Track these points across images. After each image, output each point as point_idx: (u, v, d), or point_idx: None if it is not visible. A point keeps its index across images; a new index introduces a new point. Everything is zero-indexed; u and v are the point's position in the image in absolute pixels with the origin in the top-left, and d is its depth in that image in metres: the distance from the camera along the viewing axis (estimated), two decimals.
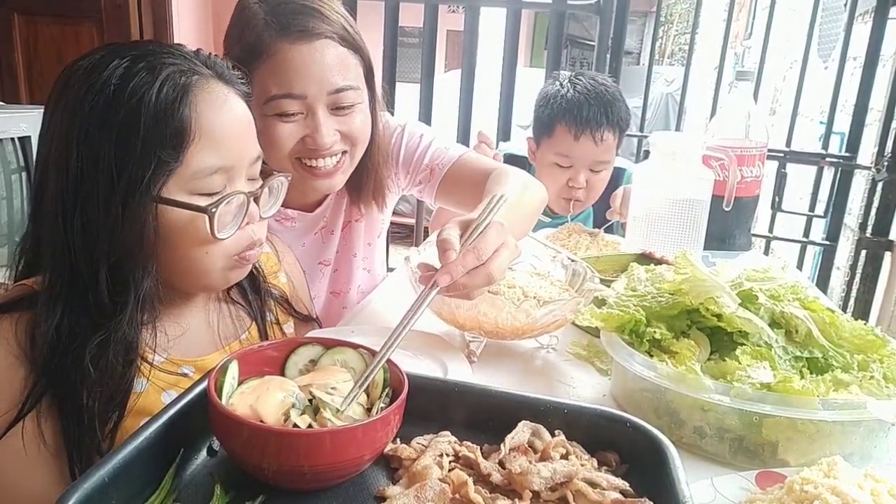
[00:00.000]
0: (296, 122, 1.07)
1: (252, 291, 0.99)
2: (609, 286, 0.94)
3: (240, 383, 0.65)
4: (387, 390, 0.67)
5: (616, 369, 0.89)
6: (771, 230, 2.51)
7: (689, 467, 0.60)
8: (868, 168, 2.29)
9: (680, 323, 0.85)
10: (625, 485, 0.60)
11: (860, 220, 2.31)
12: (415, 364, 0.92)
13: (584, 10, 2.34)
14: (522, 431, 0.65)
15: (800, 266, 2.52)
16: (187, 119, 0.75)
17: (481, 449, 0.65)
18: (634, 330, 0.84)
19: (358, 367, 0.69)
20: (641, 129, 2.74)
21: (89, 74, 0.75)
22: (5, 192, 2.32)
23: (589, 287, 1.00)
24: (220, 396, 0.61)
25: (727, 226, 1.42)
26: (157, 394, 0.84)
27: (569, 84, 1.64)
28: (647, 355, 0.80)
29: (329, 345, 0.71)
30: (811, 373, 0.78)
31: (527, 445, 0.64)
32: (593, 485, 0.59)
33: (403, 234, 4.99)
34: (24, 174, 2.38)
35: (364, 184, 1.22)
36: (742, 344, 0.79)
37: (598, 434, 0.66)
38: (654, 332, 0.82)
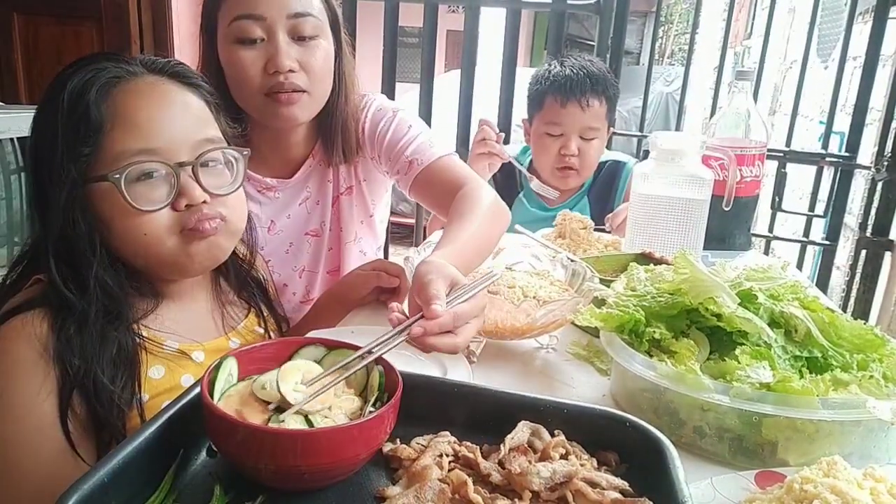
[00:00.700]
0: (257, 50, 1.11)
1: (247, 281, 1.05)
2: (609, 286, 0.94)
3: (239, 381, 0.66)
4: (381, 391, 0.67)
5: (616, 369, 0.89)
6: (771, 230, 2.51)
7: (688, 467, 0.60)
8: (868, 168, 2.29)
9: (679, 323, 0.85)
10: (624, 485, 0.60)
11: (860, 220, 2.31)
12: (415, 364, 0.92)
13: (584, 9, 2.34)
14: (522, 431, 0.65)
15: (800, 266, 2.52)
16: (95, 109, 0.81)
17: (481, 449, 0.65)
18: (634, 330, 0.84)
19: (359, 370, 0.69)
20: (641, 129, 2.74)
21: (49, 85, 0.85)
22: (5, 193, 2.32)
23: (588, 287, 1.00)
24: (212, 394, 0.61)
25: (727, 226, 1.42)
26: (176, 379, 0.89)
27: (557, 63, 1.73)
28: (646, 355, 0.80)
29: (331, 346, 0.72)
30: (811, 372, 0.78)
31: (526, 445, 0.64)
32: (593, 485, 0.59)
33: (403, 234, 4.99)
34: (23, 174, 2.37)
35: (333, 137, 1.24)
36: (742, 344, 0.79)
37: (598, 434, 0.66)
38: (654, 331, 0.82)
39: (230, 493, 0.59)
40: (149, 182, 0.82)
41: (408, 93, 2.71)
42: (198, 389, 0.62)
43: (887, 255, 2.25)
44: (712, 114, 2.47)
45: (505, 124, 2.38)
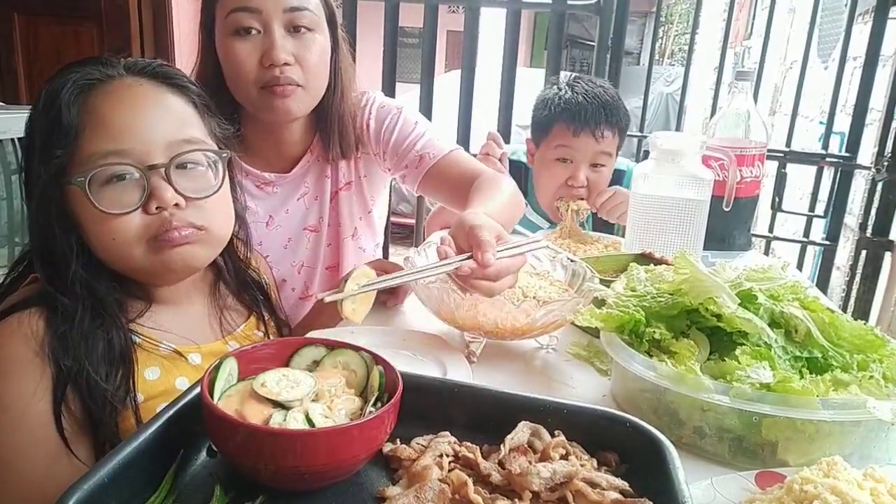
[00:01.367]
0: (252, 42, 1.12)
1: (248, 283, 1.05)
2: (609, 286, 0.94)
3: (239, 381, 0.66)
4: (381, 391, 0.67)
5: (616, 369, 0.89)
6: (771, 230, 2.51)
7: (688, 467, 0.60)
8: (868, 168, 2.29)
9: (679, 323, 0.85)
10: (624, 485, 0.60)
11: (860, 221, 2.31)
12: (415, 364, 0.92)
13: (584, 10, 2.34)
14: (522, 432, 0.65)
15: (800, 266, 2.52)
16: (67, 112, 0.80)
17: (481, 449, 0.65)
18: (634, 330, 0.84)
19: (359, 369, 0.69)
20: (641, 129, 2.74)
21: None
22: (5, 193, 2.32)
23: (588, 287, 1.00)
24: (212, 394, 0.61)
25: (727, 226, 1.42)
26: (171, 381, 0.89)
27: (567, 87, 1.64)
28: (646, 355, 0.80)
29: (332, 346, 0.72)
30: (811, 373, 0.78)
31: (526, 446, 0.64)
32: (593, 485, 0.59)
33: (403, 235, 4.99)
34: (23, 174, 2.38)
35: (331, 133, 1.25)
36: (742, 344, 0.79)
37: (598, 434, 0.66)
38: (654, 332, 0.82)
39: (230, 493, 0.59)
40: (119, 185, 0.80)
41: (408, 93, 2.71)
42: (198, 389, 0.62)
43: (887, 256, 2.26)
44: (712, 114, 2.47)
45: (505, 125, 2.38)
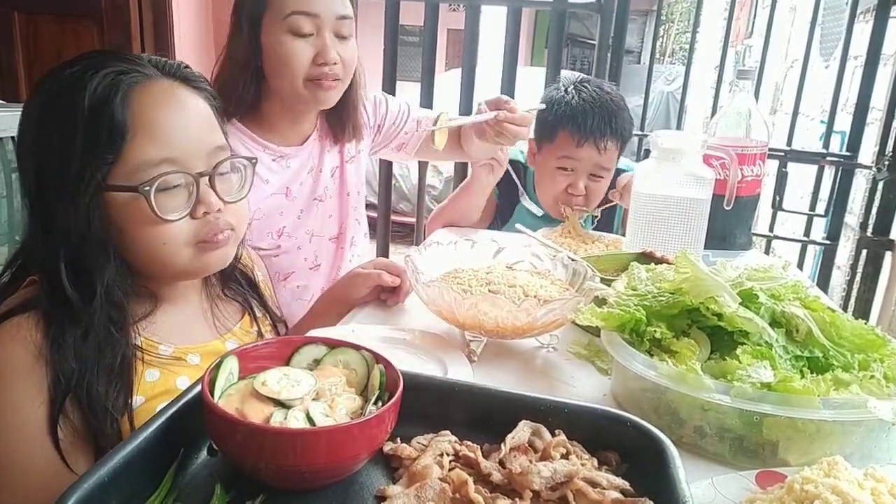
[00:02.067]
0: (306, 41, 1.27)
1: (245, 283, 1.05)
2: (609, 285, 0.94)
3: (239, 379, 0.65)
4: (382, 390, 0.67)
5: (616, 369, 0.89)
6: (772, 229, 2.51)
7: (689, 467, 0.60)
8: (869, 167, 2.29)
9: (680, 322, 0.85)
10: (625, 484, 0.60)
11: (861, 220, 2.31)
12: (415, 364, 0.92)
13: (585, 8, 2.33)
14: (523, 431, 0.65)
15: (800, 265, 2.51)
16: (120, 114, 0.79)
17: (481, 448, 0.65)
18: (635, 329, 0.84)
19: (360, 368, 0.69)
20: (642, 129, 2.73)
21: (47, 86, 0.82)
22: (5, 192, 2.32)
23: (589, 286, 1.00)
24: (213, 393, 0.61)
25: (728, 225, 1.42)
26: (171, 381, 0.88)
27: (573, 90, 1.63)
28: (647, 355, 0.80)
29: (333, 345, 0.71)
30: (812, 372, 0.78)
31: (527, 445, 0.64)
32: (594, 484, 0.59)
33: (404, 234, 4.99)
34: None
35: (344, 116, 1.43)
36: (742, 343, 0.79)
37: (599, 433, 0.66)
38: (655, 331, 0.82)
39: (230, 492, 0.58)
40: (172, 191, 0.82)
41: (408, 91, 2.70)
42: (198, 388, 0.62)
43: (888, 255, 2.25)
44: (713, 113, 2.47)
45: None
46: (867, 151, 2.35)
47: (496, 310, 0.94)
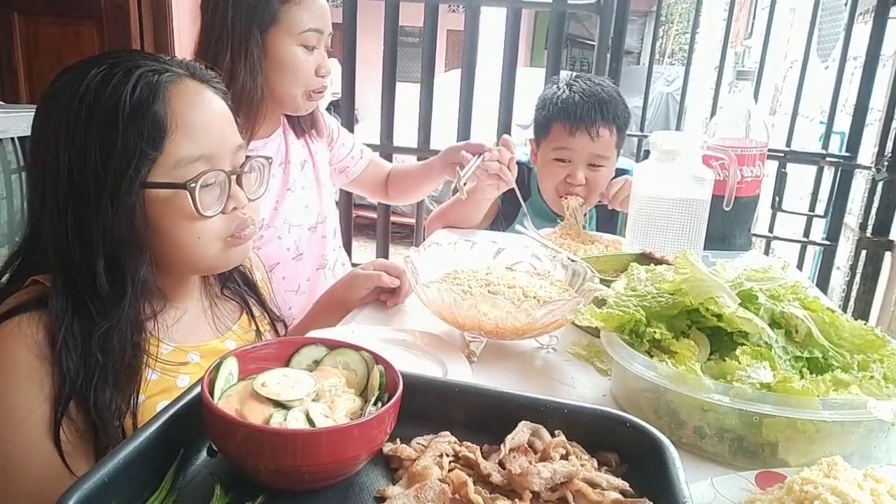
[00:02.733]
0: (312, 55, 1.38)
1: (241, 282, 1.05)
2: (609, 286, 0.94)
3: (239, 380, 0.65)
4: (382, 390, 0.67)
5: (616, 369, 0.89)
6: (771, 230, 2.51)
7: (689, 467, 0.60)
8: (868, 168, 2.29)
9: (680, 323, 0.85)
10: (625, 485, 0.60)
11: (860, 220, 2.31)
12: (415, 364, 0.92)
13: (585, 9, 2.34)
14: (522, 432, 0.65)
15: (800, 266, 2.52)
16: (161, 112, 0.81)
17: (481, 449, 0.65)
18: (634, 330, 0.84)
19: (359, 369, 0.69)
20: (641, 129, 2.74)
21: (72, 85, 0.81)
22: (5, 192, 2.32)
23: (589, 287, 1.00)
24: (213, 394, 0.61)
25: (727, 226, 1.42)
26: (172, 380, 0.89)
27: (565, 86, 1.65)
28: (647, 355, 0.80)
29: (332, 346, 0.72)
30: (811, 373, 0.78)
31: (527, 446, 0.64)
32: (593, 485, 0.59)
33: (403, 234, 4.99)
34: (24, 174, 2.37)
35: (313, 119, 1.56)
36: (742, 344, 0.79)
37: (598, 434, 0.66)
38: (654, 332, 0.82)
39: (230, 492, 0.58)
40: (209, 188, 0.85)
41: (408, 92, 2.71)
42: (198, 389, 0.62)
43: (887, 256, 2.26)
44: (713, 114, 2.47)
45: (505, 125, 2.38)
46: (866, 152, 2.35)
47: (496, 310, 0.94)
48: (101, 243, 0.80)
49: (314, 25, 1.35)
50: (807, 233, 2.51)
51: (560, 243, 1.47)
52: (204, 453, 0.64)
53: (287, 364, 0.70)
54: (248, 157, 0.91)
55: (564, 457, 0.63)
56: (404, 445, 0.65)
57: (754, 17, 5.47)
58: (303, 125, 1.54)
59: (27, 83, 3.49)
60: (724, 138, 1.41)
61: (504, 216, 1.83)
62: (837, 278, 2.59)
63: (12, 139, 2.34)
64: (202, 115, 0.85)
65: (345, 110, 2.48)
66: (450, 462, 0.63)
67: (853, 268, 2.32)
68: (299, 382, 0.64)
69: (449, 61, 9.06)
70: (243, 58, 1.32)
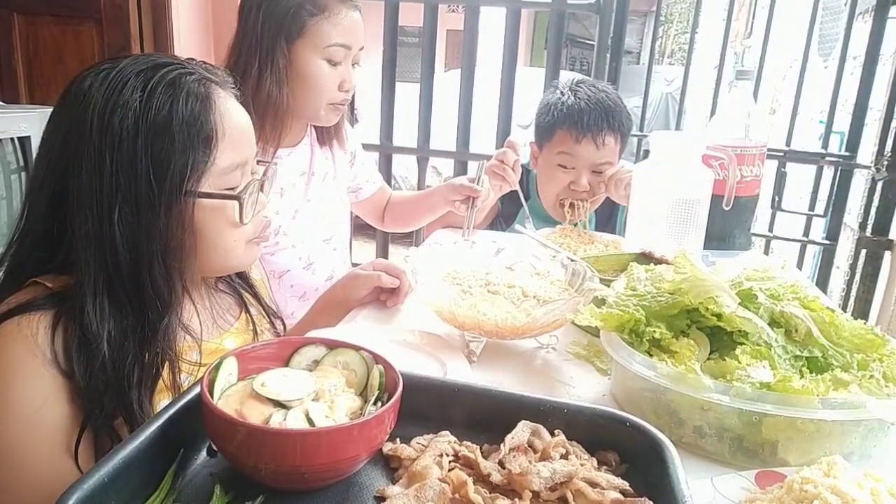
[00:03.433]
0: (337, 69, 1.38)
1: (240, 281, 1.06)
2: (609, 286, 0.94)
3: (239, 380, 0.66)
4: (381, 390, 0.67)
5: (616, 369, 0.89)
6: (771, 229, 2.51)
7: (688, 467, 0.60)
8: (868, 167, 2.29)
9: (680, 322, 0.85)
10: (625, 484, 0.60)
11: (860, 220, 2.31)
12: (414, 364, 0.92)
13: (584, 9, 2.34)
14: (522, 431, 0.65)
15: (800, 265, 2.52)
16: (213, 122, 0.83)
17: (481, 449, 0.65)
18: (634, 329, 0.84)
19: (359, 369, 0.69)
20: (641, 129, 2.74)
21: (108, 95, 0.79)
22: (5, 193, 2.32)
23: (588, 287, 1.00)
24: (212, 394, 0.61)
25: (727, 225, 1.42)
26: (172, 378, 0.88)
27: (569, 91, 1.64)
28: (646, 355, 0.80)
29: (332, 345, 0.72)
30: (811, 372, 0.78)
31: (527, 445, 0.64)
32: (593, 484, 0.59)
33: (403, 234, 4.98)
34: (23, 174, 2.37)
35: (336, 130, 1.56)
36: (742, 343, 0.79)
37: (598, 434, 0.66)
38: (654, 331, 0.82)
39: (230, 492, 0.59)
40: (249, 195, 0.87)
41: (408, 93, 2.71)
42: (198, 389, 0.62)
43: (887, 255, 2.26)
44: (712, 113, 2.47)
45: (505, 124, 2.38)
46: (866, 151, 2.35)
47: (495, 310, 0.94)
48: (154, 251, 0.81)
49: (341, 41, 1.35)
50: (806, 232, 2.51)
51: (560, 243, 1.47)
52: (204, 453, 0.64)
53: (287, 364, 0.70)
54: (259, 161, 0.93)
55: (564, 456, 0.63)
56: (404, 445, 0.65)
57: (754, 17, 5.47)
58: (326, 134, 1.55)
59: (27, 83, 3.48)
60: (724, 138, 1.41)
61: (504, 216, 1.83)
62: (837, 278, 2.59)
63: (12, 139, 2.33)
64: (239, 123, 0.87)
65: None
66: (450, 462, 0.63)
67: (853, 267, 2.33)
68: (299, 382, 0.64)
69: (449, 61, 9.06)
70: (270, 67, 1.33)
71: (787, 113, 2.54)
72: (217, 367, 0.64)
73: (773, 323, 0.82)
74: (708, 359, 0.81)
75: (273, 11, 1.32)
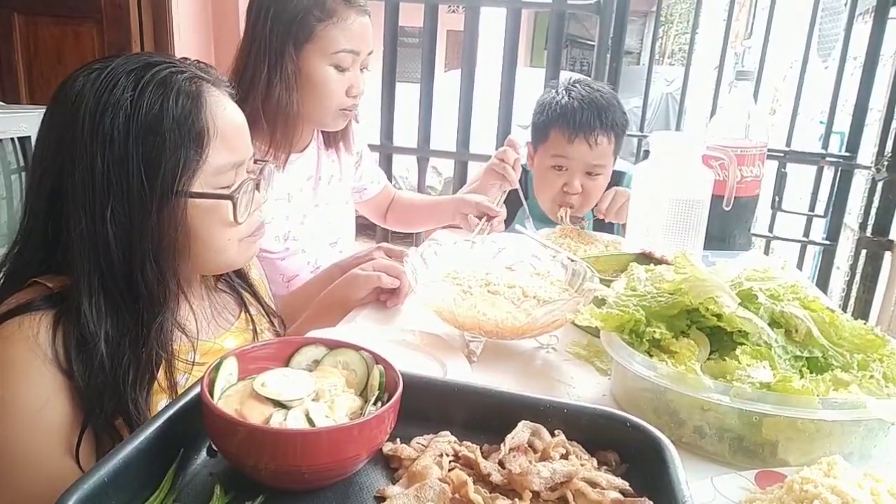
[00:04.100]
0: (345, 75, 1.37)
1: (239, 280, 1.06)
2: (609, 286, 0.94)
3: (239, 380, 0.65)
4: (381, 390, 0.67)
5: (616, 369, 0.89)
6: (771, 230, 2.51)
7: (688, 467, 0.60)
8: (868, 168, 2.29)
9: (680, 323, 0.85)
10: (625, 484, 0.60)
11: (860, 220, 2.31)
12: (414, 364, 0.92)
13: (585, 9, 2.34)
14: (522, 431, 0.65)
15: (800, 266, 2.52)
16: (205, 120, 0.82)
17: (481, 449, 0.65)
18: (634, 330, 0.84)
19: (359, 369, 0.69)
20: (641, 129, 2.74)
21: (100, 95, 0.79)
22: (5, 193, 2.32)
23: (588, 287, 1.00)
24: (213, 394, 0.61)
25: (727, 225, 1.42)
26: (172, 378, 0.88)
27: (564, 91, 1.64)
28: (646, 355, 0.80)
29: (332, 345, 0.72)
30: (811, 372, 0.78)
31: (527, 445, 0.64)
32: (593, 484, 0.59)
33: (403, 234, 4.98)
34: (23, 174, 2.37)
35: (344, 134, 1.55)
36: (742, 343, 0.79)
37: (598, 434, 0.66)
38: (654, 331, 0.82)
39: (230, 492, 0.59)
40: (243, 194, 0.87)
41: (408, 93, 2.71)
42: (198, 389, 0.62)
43: (887, 255, 2.26)
44: (712, 114, 2.47)
45: (505, 125, 2.39)
46: (866, 152, 2.35)
47: (495, 310, 0.94)
48: (146, 250, 0.81)
49: (349, 46, 1.34)
50: (806, 233, 2.51)
51: (560, 243, 1.47)
52: (204, 453, 0.64)
53: (287, 364, 0.70)
54: (256, 160, 0.93)
55: (564, 456, 0.63)
56: (404, 445, 0.65)
57: (754, 17, 5.47)
58: (332, 138, 1.55)
59: (27, 83, 3.49)
60: (724, 138, 1.41)
61: (505, 221, 1.83)
62: (837, 278, 2.59)
63: (12, 139, 2.34)
64: (232, 122, 0.86)
65: None
66: (450, 462, 0.63)
67: (853, 268, 2.33)
68: (299, 382, 0.64)
69: (449, 61, 9.07)
70: (279, 73, 1.32)
71: (788, 113, 2.54)
72: (217, 367, 0.64)
73: (774, 323, 0.82)
74: (708, 359, 0.81)
75: (281, 16, 1.31)
